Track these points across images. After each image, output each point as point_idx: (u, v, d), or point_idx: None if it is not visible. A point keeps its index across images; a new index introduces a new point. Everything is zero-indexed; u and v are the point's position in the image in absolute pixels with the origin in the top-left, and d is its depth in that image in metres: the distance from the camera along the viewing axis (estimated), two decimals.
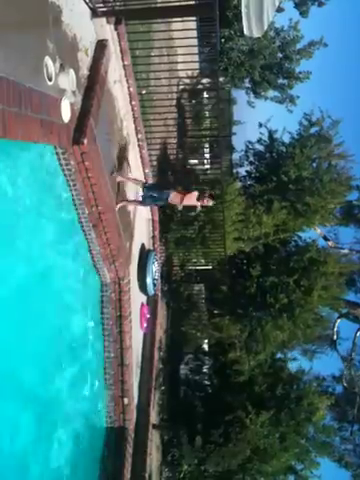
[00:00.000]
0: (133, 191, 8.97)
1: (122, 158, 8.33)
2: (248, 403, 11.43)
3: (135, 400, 8.70)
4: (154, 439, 10.23)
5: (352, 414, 14.66)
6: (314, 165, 13.26)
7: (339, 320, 15.39)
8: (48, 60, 5.06)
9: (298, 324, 11.98)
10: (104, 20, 6.96)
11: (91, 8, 6.61)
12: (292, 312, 11.77)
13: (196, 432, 11.17)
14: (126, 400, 8.07)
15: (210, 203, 8.24)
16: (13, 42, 4.32)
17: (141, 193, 8.52)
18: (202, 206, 8.32)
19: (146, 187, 8.47)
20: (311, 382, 12.91)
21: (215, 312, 13.17)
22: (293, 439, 12.02)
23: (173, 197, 8.07)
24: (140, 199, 8.59)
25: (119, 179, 8.12)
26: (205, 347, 14.75)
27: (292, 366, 13.51)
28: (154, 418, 10.21)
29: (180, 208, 8.52)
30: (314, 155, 13.15)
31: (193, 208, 8.58)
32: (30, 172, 5.53)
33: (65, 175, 6.26)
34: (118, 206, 8.04)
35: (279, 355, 13.67)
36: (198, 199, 8.04)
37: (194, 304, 14.03)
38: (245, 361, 11.96)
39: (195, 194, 8.04)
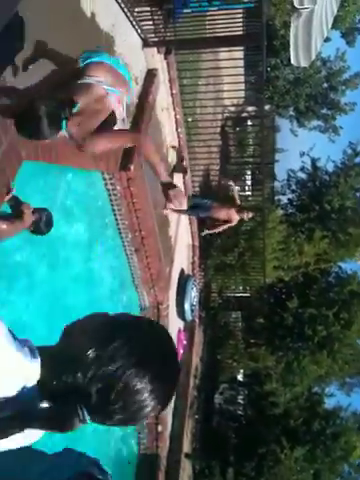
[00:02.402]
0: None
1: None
2: (283, 437, 11.14)
3: (168, 428, 8.61)
4: (186, 468, 10.05)
5: None
6: (358, 195, 13.05)
7: None
8: None
9: (336, 359, 11.67)
10: (155, 50, 7.13)
11: (143, 38, 6.79)
12: (331, 346, 11.49)
13: (228, 463, 10.93)
14: (160, 427, 8.00)
15: (250, 215, 8.30)
16: None
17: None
18: (242, 220, 8.33)
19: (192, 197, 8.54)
20: (349, 419, 12.49)
21: (251, 341, 12.97)
22: (328, 477, 11.63)
23: (215, 210, 8.16)
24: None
25: (166, 212, 8.19)
26: (240, 377, 14.50)
27: (329, 402, 13.12)
28: (187, 447, 10.04)
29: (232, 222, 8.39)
30: (358, 185, 12.95)
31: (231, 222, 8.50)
32: (78, 196, 5.64)
33: (111, 200, 6.36)
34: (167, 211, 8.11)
35: (316, 389, 13.30)
36: (238, 212, 8.10)
37: (231, 332, 13.86)
38: (281, 393, 11.69)
39: (234, 210, 8.08)
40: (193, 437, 11.05)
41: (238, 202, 8.18)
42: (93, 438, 6.68)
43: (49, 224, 3.71)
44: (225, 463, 10.87)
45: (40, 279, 5.21)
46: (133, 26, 6.50)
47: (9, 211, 3.67)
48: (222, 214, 8.18)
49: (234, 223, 8.26)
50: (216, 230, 8.68)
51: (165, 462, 8.35)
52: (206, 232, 8.88)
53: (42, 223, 3.69)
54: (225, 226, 8.42)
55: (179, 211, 8.67)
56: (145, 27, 6.77)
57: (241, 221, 8.38)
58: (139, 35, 6.68)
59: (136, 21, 6.52)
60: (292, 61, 7.69)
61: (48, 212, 3.76)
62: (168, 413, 8.49)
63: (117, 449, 7.46)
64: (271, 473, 10.93)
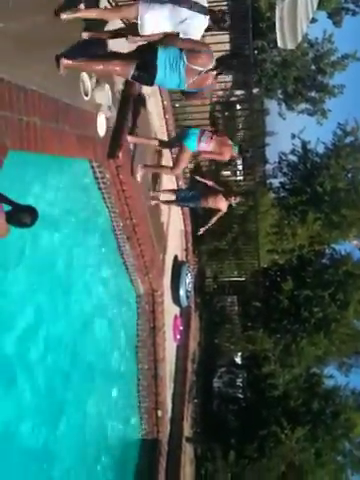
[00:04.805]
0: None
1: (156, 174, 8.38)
2: (283, 418, 11.25)
3: (168, 412, 8.68)
4: (187, 452, 10.15)
5: None
6: (349, 176, 13.07)
7: None
8: (84, 76, 5.18)
9: (334, 340, 11.77)
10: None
11: (125, 23, 6.71)
12: (327, 327, 11.58)
13: (230, 446, 11.03)
14: (160, 412, 8.07)
15: (237, 200, 8.30)
16: (52, 59, 4.43)
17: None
18: (230, 205, 8.31)
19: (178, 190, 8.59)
20: (348, 397, 12.62)
21: (248, 324, 13.05)
22: (329, 455, 11.77)
23: (203, 200, 8.20)
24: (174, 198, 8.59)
25: (154, 203, 8.21)
26: (238, 360, 14.61)
27: (328, 382, 13.25)
28: (187, 431, 10.13)
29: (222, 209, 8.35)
30: (349, 166, 12.96)
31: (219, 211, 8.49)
32: (67, 185, 5.64)
33: (100, 188, 6.36)
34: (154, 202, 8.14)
35: (315, 370, 13.42)
36: (226, 198, 8.07)
37: (227, 316, 13.94)
38: (280, 375, 11.79)
39: (221, 197, 8.06)
40: (193, 421, 11.15)
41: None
42: (94, 424, 6.77)
43: (20, 221, 3.63)
44: (226, 446, 10.98)
45: (34, 273, 5.23)
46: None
47: None
48: (210, 202, 8.19)
49: (224, 210, 8.26)
50: (209, 225, 8.73)
51: (166, 447, 8.42)
52: (201, 231, 8.96)
53: (16, 222, 3.59)
54: (216, 217, 8.42)
55: (168, 202, 8.65)
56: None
57: (230, 206, 8.37)
58: (121, 19, 6.62)
59: (116, 4, 6.46)
60: (279, 44, 7.66)
61: (14, 210, 3.63)
62: (167, 398, 8.56)
63: (118, 435, 7.52)
64: (273, 454, 11.03)
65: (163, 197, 8.48)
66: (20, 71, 3.81)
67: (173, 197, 8.54)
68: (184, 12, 4.92)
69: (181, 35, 4.92)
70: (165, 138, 8.68)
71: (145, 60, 4.75)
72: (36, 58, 4.15)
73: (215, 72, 4.99)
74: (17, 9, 3.80)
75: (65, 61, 4.53)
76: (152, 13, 4.84)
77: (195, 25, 4.98)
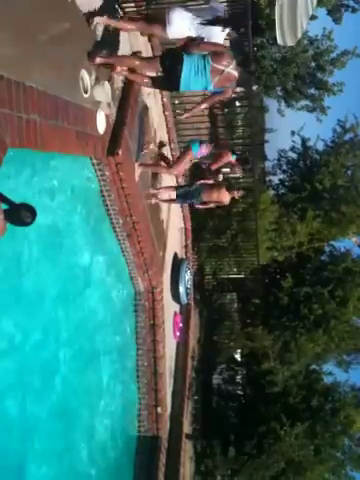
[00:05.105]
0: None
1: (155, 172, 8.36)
2: (282, 414, 11.28)
3: (168, 409, 8.69)
4: (187, 449, 10.17)
5: None
6: (349, 173, 13.08)
7: None
8: (84, 73, 5.17)
9: (333, 337, 11.80)
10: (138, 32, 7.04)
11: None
12: (327, 324, 11.61)
13: (229, 443, 11.07)
14: (159, 409, 8.07)
15: (240, 194, 8.28)
16: (51, 56, 4.42)
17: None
18: (233, 198, 8.25)
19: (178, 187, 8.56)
20: (347, 394, 12.65)
21: (248, 321, 13.08)
22: (328, 452, 11.82)
23: (206, 195, 8.08)
24: (174, 197, 8.52)
25: (154, 201, 8.19)
26: (237, 357, 14.64)
27: (327, 379, 13.28)
28: (187, 428, 10.15)
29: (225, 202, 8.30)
30: (349, 163, 12.97)
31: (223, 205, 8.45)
32: (66, 183, 5.63)
33: (100, 185, 6.35)
34: (154, 200, 8.15)
35: (314, 366, 13.44)
36: (229, 192, 8.03)
37: (226, 313, 13.97)
38: (279, 372, 11.82)
39: (224, 190, 8.02)
40: (193, 418, 11.18)
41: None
42: (94, 421, 6.78)
43: (20, 220, 3.60)
44: (226, 442, 11.02)
45: (34, 270, 5.22)
46: (116, 9, 6.43)
47: None
48: (214, 197, 8.10)
49: (226, 203, 8.21)
50: (208, 206, 8.70)
51: (166, 444, 8.43)
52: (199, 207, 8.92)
53: (15, 220, 3.57)
54: (215, 204, 8.39)
55: (168, 201, 8.63)
56: (128, 9, 6.71)
57: (233, 199, 8.31)
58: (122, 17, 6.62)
59: (118, 3, 6.47)
60: (278, 41, 7.63)
61: (13, 208, 3.59)
62: (167, 395, 8.57)
63: (118, 432, 7.54)
64: (272, 450, 11.08)
65: (163, 195, 8.46)
66: (19, 68, 3.81)
67: (173, 194, 8.49)
68: (206, 17, 5.33)
69: (204, 40, 5.29)
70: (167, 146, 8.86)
71: (170, 70, 5.11)
72: (35, 55, 4.14)
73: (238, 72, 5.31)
74: (16, 4, 3.79)
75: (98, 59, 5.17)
76: (179, 14, 5.28)
77: (216, 30, 5.39)
